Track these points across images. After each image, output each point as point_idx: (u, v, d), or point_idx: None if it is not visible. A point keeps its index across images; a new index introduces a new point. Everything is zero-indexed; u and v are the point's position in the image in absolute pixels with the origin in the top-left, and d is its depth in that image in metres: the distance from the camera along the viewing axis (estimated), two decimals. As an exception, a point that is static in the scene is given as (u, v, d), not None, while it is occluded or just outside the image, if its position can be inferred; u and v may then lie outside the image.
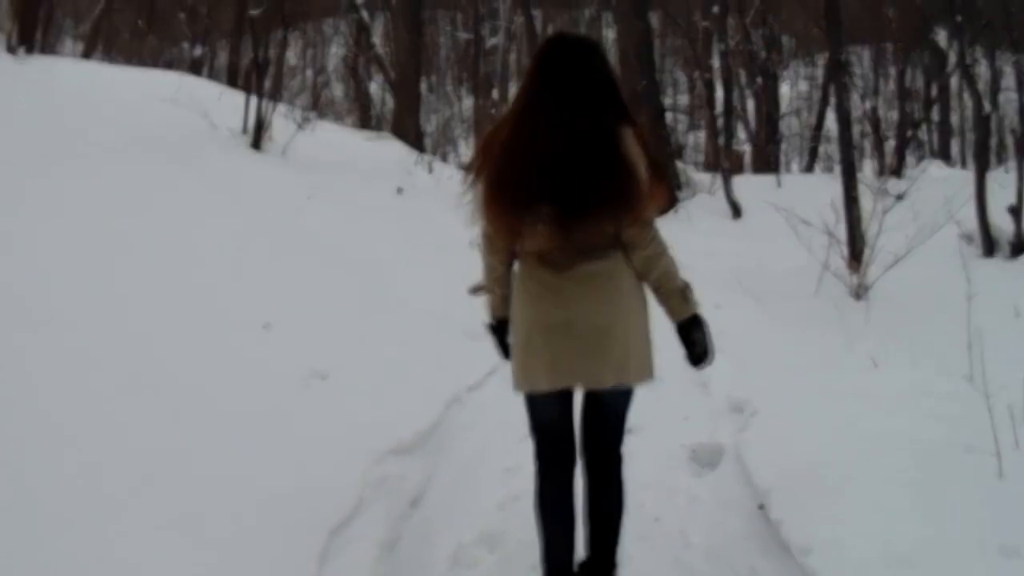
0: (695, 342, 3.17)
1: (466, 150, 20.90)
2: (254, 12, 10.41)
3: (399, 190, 11.00)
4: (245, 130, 9.78)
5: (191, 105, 9.41)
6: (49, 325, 4.28)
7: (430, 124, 21.76)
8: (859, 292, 7.86)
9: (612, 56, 25.18)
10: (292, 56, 21.12)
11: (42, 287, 4.57)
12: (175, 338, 4.77)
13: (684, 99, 26.50)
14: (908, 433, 4.30)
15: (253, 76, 10.50)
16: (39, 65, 9.58)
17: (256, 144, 9.67)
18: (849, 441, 4.38)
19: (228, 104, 10.48)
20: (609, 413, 3.31)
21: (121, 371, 4.20)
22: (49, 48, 13.45)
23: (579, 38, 3.33)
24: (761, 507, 4.14)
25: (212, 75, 18.78)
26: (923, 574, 3.13)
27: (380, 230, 8.78)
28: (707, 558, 3.86)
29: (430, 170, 13.61)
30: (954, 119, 15.82)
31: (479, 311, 7.79)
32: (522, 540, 3.94)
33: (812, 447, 4.45)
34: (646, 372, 3.22)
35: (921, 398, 4.73)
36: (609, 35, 26.04)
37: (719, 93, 16.89)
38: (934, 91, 15.31)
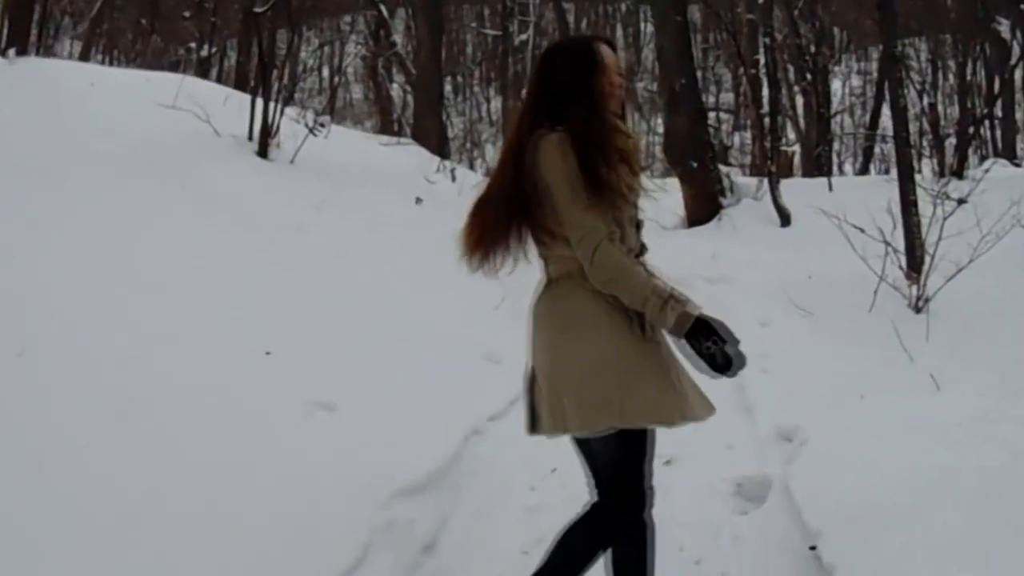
0: (703, 352, 2.90)
1: (494, 155, 20.75)
2: (259, 9, 10.32)
3: (418, 200, 10.85)
4: (251, 137, 9.65)
5: (193, 110, 9.27)
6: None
7: (454, 128, 21.59)
8: (919, 305, 7.66)
9: (650, 53, 25.11)
10: (305, 54, 21.00)
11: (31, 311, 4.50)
12: (165, 365, 4.65)
13: (729, 97, 26.30)
14: (975, 464, 4.09)
15: (259, 77, 10.32)
16: (31, 67, 9.51)
17: (262, 152, 9.52)
18: (909, 475, 4.19)
19: (234, 108, 10.33)
20: (597, 463, 3.17)
21: (111, 400, 4.09)
22: (46, 49, 13.42)
23: (552, 44, 3.38)
24: (813, 548, 3.96)
25: (221, 77, 18.73)
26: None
27: (394, 245, 8.63)
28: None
29: (453, 178, 13.49)
30: (1019, 115, 15.53)
31: (504, 330, 7.70)
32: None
33: (868, 482, 4.26)
34: (608, 414, 2.93)
35: (988, 424, 4.53)
36: (647, 30, 25.90)
37: (765, 90, 16.69)
38: (997, 85, 15.02)
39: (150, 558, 3.26)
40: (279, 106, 9.89)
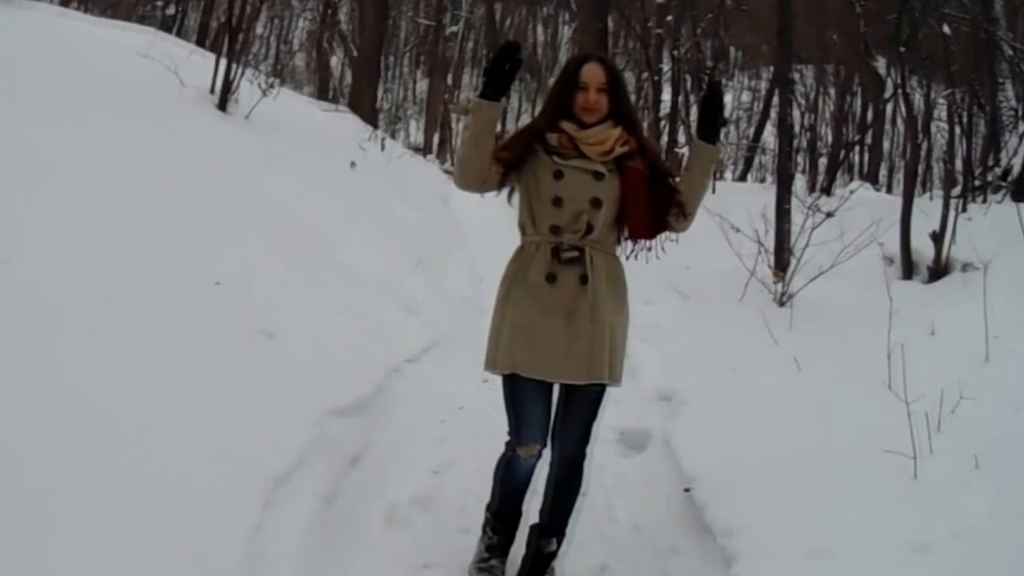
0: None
1: (416, 130, 20.90)
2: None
3: (352, 164, 11.03)
4: (212, 91, 9.70)
5: (163, 61, 9.30)
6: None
7: (384, 102, 21.80)
8: (783, 300, 8.05)
9: (565, 53, 25.48)
10: (258, 25, 21.00)
11: None
12: (123, 288, 4.67)
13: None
14: (829, 433, 4.47)
15: (225, 38, 10.37)
16: (12, 11, 9.32)
17: (222, 106, 9.59)
18: (773, 437, 4.55)
19: (197, 64, 10.38)
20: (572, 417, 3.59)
21: (70, 318, 4.13)
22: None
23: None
24: (687, 490, 4.30)
25: (181, 34, 18.58)
26: (839, 566, 3.29)
27: (333, 201, 8.77)
28: (631, 534, 4.02)
29: (383, 147, 13.64)
30: (885, 145, 16.22)
31: (421, 287, 7.93)
32: (454, 503, 4.08)
33: (738, 440, 4.62)
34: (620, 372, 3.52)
35: (842, 403, 4.91)
36: (565, 32, 26.28)
37: (665, 96, 17.15)
38: (870, 115, 15.68)
39: (117, 460, 3.38)
40: (240, 67, 9.96)
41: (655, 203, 3.43)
